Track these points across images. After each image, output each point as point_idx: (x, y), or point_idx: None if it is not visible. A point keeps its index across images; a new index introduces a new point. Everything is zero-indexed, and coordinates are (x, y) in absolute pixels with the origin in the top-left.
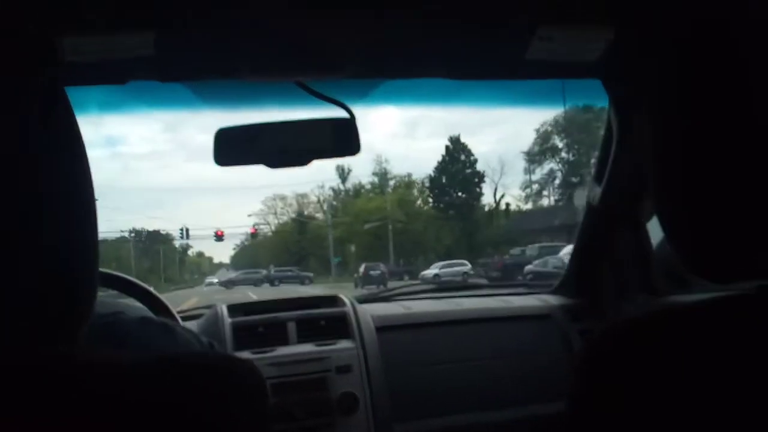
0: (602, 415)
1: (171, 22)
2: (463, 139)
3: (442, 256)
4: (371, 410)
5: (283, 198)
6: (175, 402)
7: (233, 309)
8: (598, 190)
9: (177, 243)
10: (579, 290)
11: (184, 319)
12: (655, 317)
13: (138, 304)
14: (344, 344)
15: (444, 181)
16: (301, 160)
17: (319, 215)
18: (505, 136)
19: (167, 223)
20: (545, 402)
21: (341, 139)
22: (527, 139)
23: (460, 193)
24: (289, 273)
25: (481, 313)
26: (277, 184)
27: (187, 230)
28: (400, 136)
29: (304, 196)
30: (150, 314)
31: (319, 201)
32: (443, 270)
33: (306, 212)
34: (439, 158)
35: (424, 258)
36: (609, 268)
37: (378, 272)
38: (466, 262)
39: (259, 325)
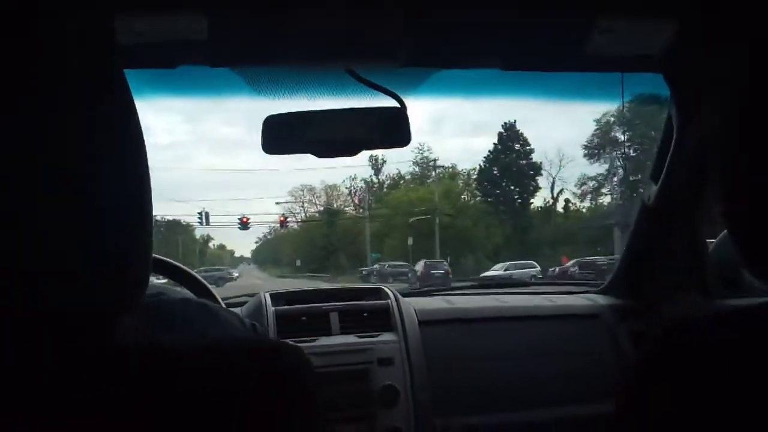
0: (654, 416)
1: (224, 5)
2: (486, 137)
3: (490, 255)
4: (412, 403)
5: (311, 189)
6: (226, 388)
7: (276, 297)
8: (654, 189)
9: (198, 233)
10: (629, 290)
11: (228, 306)
12: (715, 318)
13: (179, 288)
14: (387, 337)
15: (495, 172)
16: (350, 149)
17: (349, 209)
18: (537, 135)
19: (189, 214)
20: (590, 402)
21: (391, 129)
22: (561, 141)
23: (512, 187)
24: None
25: (527, 311)
26: (305, 175)
27: (207, 214)
28: (426, 132)
29: (333, 187)
30: (191, 296)
31: (350, 193)
32: (510, 272)
33: (335, 205)
34: (491, 147)
35: (474, 257)
36: (662, 268)
37: (442, 272)
38: (535, 263)
39: (302, 314)
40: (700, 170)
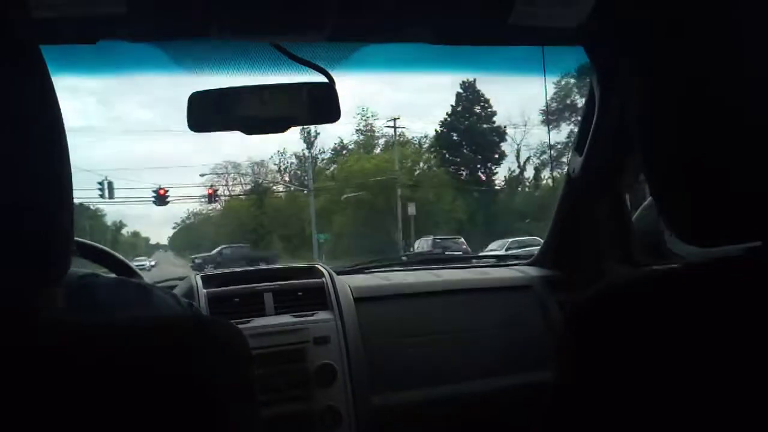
0: (589, 381)
1: None
2: (408, 122)
3: (453, 232)
4: (349, 382)
5: (236, 165)
6: (158, 364)
7: (207, 279)
8: (578, 161)
9: (109, 220)
10: (558, 262)
11: None
12: (638, 281)
13: (111, 274)
14: (322, 315)
15: (455, 138)
16: (279, 126)
17: (279, 188)
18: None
19: (92, 188)
20: (526, 372)
21: (321, 105)
22: (524, 101)
23: (475, 154)
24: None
25: (461, 284)
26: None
27: (110, 185)
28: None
29: (260, 164)
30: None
31: (279, 169)
32: (513, 252)
33: (263, 183)
34: (448, 110)
35: (440, 234)
36: (588, 239)
37: (458, 253)
38: (539, 239)
39: (235, 295)
40: (621, 140)
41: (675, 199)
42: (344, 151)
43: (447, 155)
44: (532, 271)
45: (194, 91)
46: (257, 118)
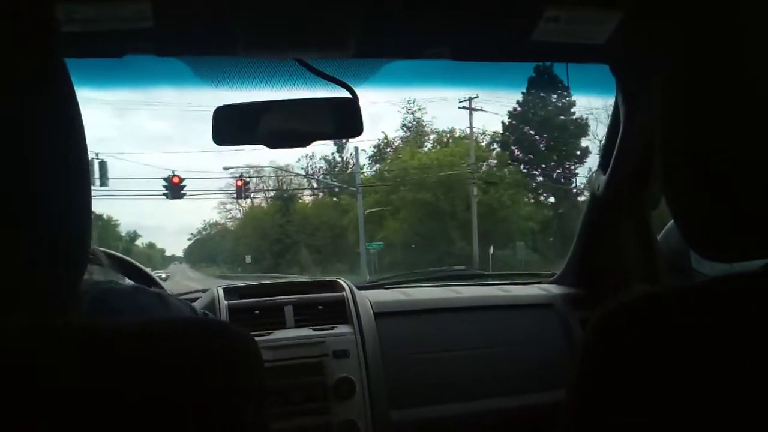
0: (596, 401)
1: None
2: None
3: (530, 245)
4: (368, 396)
5: (258, 170)
6: (169, 367)
7: (229, 291)
8: (602, 179)
9: (123, 230)
10: (581, 280)
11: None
12: (651, 298)
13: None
14: (342, 329)
15: (526, 131)
16: (302, 140)
17: (307, 194)
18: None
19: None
20: (544, 391)
21: (343, 119)
22: None
23: (551, 152)
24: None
25: (482, 301)
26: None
27: (103, 165)
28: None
29: (285, 168)
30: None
31: (306, 174)
32: None
33: (288, 188)
34: (519, 98)
35: (517, 247)
36: (611, 257)
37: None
38: None
39: (255, 308)
40: (645, 160)
41: (692, 213)
42: (388, 149)
43: (517, 152)
44: (554, 289)
45: (219, 105)
46: (281, 133)
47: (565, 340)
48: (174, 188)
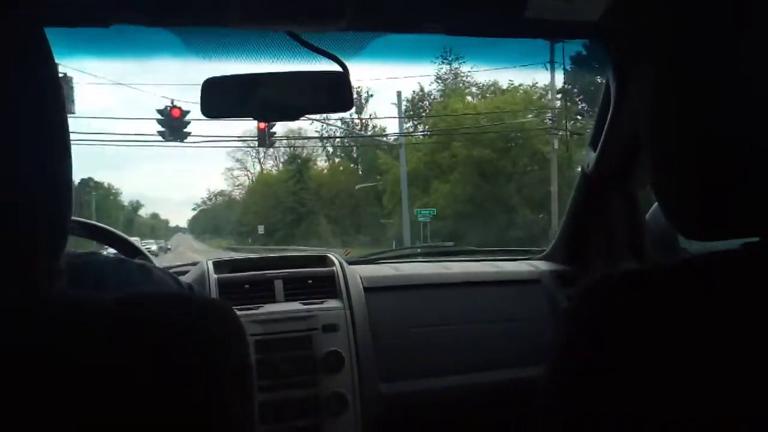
0: (577, 375)
1: None
2: None
3: None
4: (356, 369)
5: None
6: (148, 341)
7: (219, 265)
8: (592, 156)
9: (125, 199)
10: (569, 256)
11: None
12: (631, 276)
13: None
14: (331, 303)
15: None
16: (292, 114)
17: (320, 160)
18: None
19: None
20: (532, 365)
21: (334, 93)
22: None
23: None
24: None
25: (471, 277)
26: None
27: (68, 80)
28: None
29: (298, 132)
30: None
31: (321, 138)
32: None
33: (304, 153)
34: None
35: None
36: (600, 235)
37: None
38: None
39: (245, 282)
40: (635, 138)
41: (676, 192)
42: (425, 102)
43: (581, 104)
44: (542, 266)
45: (208, 76)
46: (270, 106)
47: (552, 315)
48: (173, 123)
